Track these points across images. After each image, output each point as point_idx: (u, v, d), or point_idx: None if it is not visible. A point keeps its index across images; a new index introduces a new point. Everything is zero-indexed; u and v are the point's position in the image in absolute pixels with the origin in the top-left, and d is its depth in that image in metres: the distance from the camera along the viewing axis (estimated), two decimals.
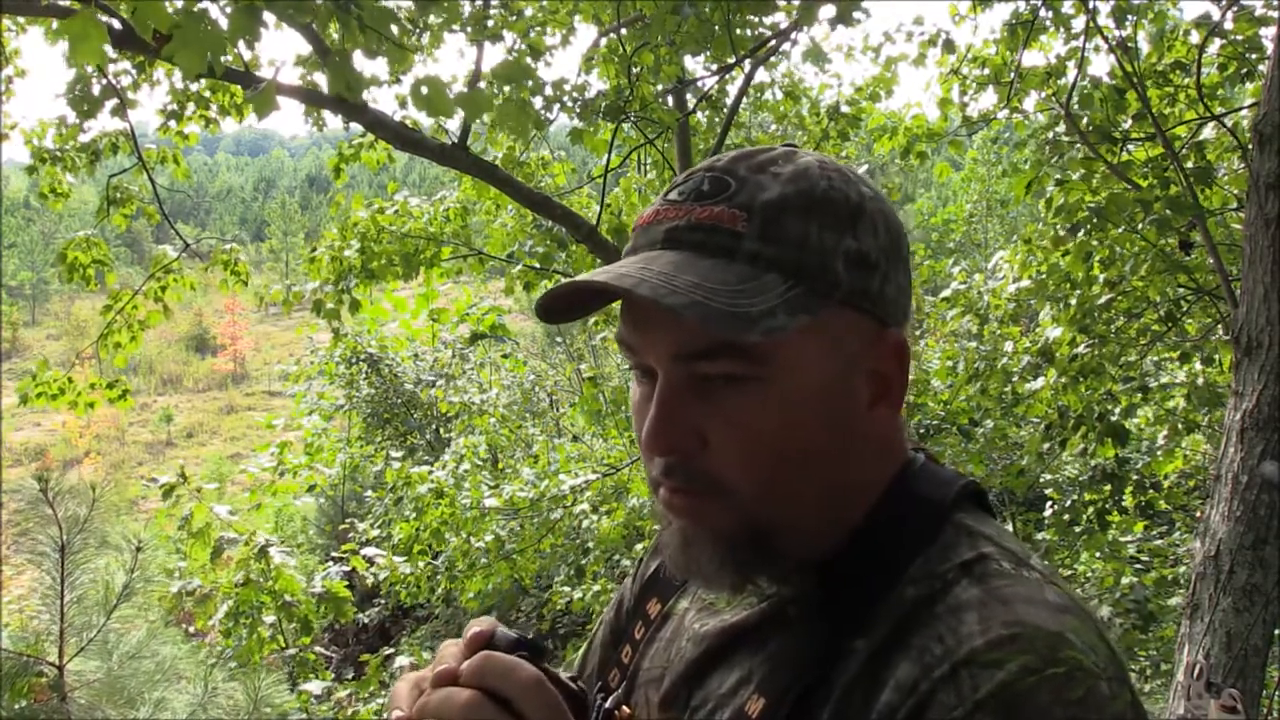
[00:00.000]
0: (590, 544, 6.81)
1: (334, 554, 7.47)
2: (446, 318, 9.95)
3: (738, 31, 4.08)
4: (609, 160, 5.00)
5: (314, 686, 4.84)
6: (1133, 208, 3.75)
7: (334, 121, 5.65)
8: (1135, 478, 5.51)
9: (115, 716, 2.11)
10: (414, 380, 11.53)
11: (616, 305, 0.75)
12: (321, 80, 4.99)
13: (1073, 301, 4.36)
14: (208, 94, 5.79)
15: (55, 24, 4.56)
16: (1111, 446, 4.35)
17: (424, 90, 2.51)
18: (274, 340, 50.38)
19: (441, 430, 11.32)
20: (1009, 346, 5.30)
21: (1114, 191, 3.88)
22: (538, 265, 6.03)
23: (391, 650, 8.44)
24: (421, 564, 6.87)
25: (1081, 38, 4.66)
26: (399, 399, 11.38)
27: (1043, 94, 5.04)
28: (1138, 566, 5.42)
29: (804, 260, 0.68)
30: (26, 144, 5.96)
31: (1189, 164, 3.99)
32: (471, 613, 9.22)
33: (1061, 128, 4.54)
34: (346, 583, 5.19)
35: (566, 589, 7.08)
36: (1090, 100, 4.28)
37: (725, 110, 5.74)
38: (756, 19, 4.37)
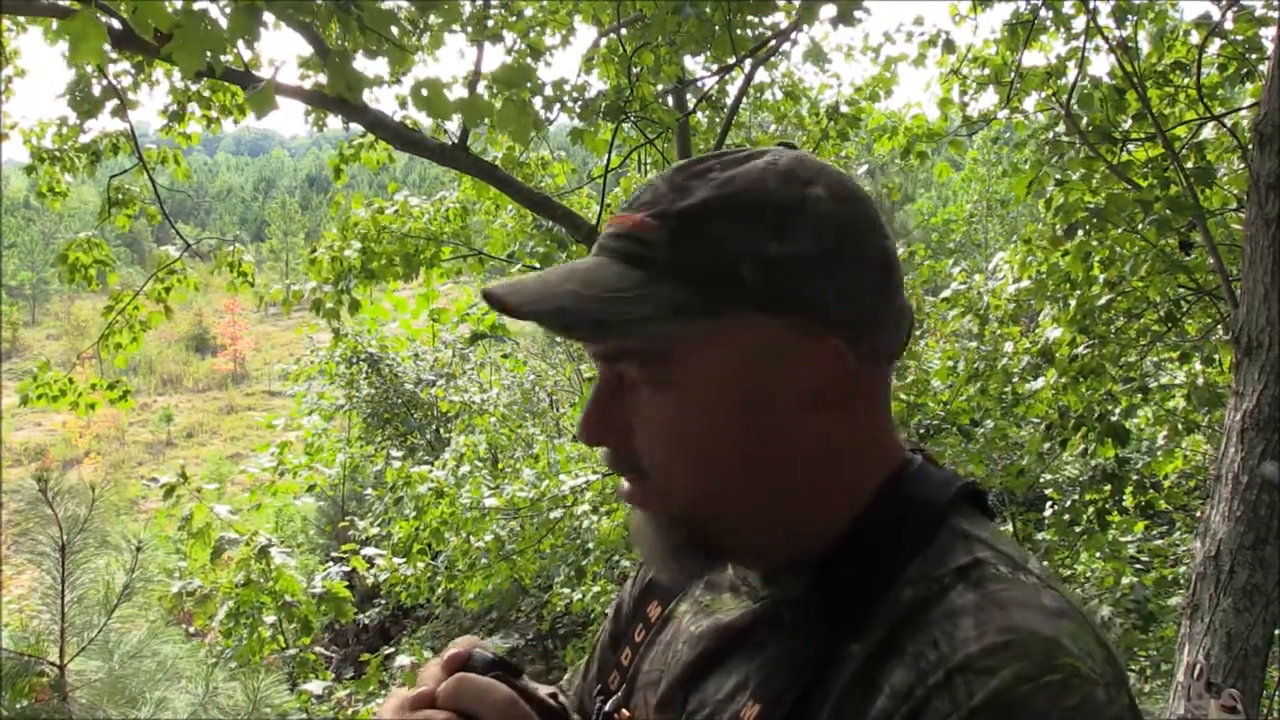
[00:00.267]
0: (590, 544, 6.80)
1: (334, 554, 7.48)
2: (446, 318, 9.94)
3: (738, 31, 4.08)
4: (609, 160, 5.00)
5: (314, 686, 4.84)
6: (1132, 208, 3.76)
7: (334, 121, 5.66)
8: (1135, 478, 5.51)
9: (116, 716, 2.11)
10: (414, 380, 11.53)
11: None
12: (322, 80, 4.99)
13: (1072, 302, 4.36)
14: (208, 94, 5.79)
15: (55, 24, 4.56)
16: (1111, 447, 4.35)
17: (424, 92, 2.51)
18: (274, 340, 50.40)
19: (441, 430, 11.32)
20: (1009, 346, 5.30)
21: (1114, 192, 3.88)
22: (538, 265, 6.03)
23: (391, 650, 8.43)
24: (421, 564, 6.87)
25: (1082, 38, 4.66)
26: (399, 399, 11.38)
27: (1043, 94, 5.04)
28: (1138, 566, 5.41)
29: (707, 265, 0.68)
30: (26, 144, 5.96)
31: (1189, 164, 3.98)
32: (471, 613, 9.24)
33: (1061, 128, 4.54)
34: (346, 583, 5.19)
35: (566, 590, 7.08)
36: (1090, 100, 4.28)
37: (725, 110, 5.75)
38: (756, 19, 4.37)
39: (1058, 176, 4.09)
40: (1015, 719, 0.59)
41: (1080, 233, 3.96)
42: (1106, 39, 4.43)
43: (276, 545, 4.72)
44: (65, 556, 2.14)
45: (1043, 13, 4.83)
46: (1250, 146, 2.84)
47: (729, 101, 5.74)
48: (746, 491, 0.71)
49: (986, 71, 5.47)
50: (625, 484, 0.75)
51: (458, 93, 3.12)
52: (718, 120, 6.09)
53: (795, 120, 7.40)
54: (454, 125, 4.99)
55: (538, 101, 4.27)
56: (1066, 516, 5.56)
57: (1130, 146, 4.37)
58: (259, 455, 8.89)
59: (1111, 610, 5.03)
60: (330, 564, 6.46)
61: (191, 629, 5.34)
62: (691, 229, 0.69)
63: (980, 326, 5.71)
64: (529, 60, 4.96)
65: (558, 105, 4.55)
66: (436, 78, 2.55)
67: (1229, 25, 4.12)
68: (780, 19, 4.59)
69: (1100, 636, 0.65)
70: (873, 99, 7.01)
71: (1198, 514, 5.50)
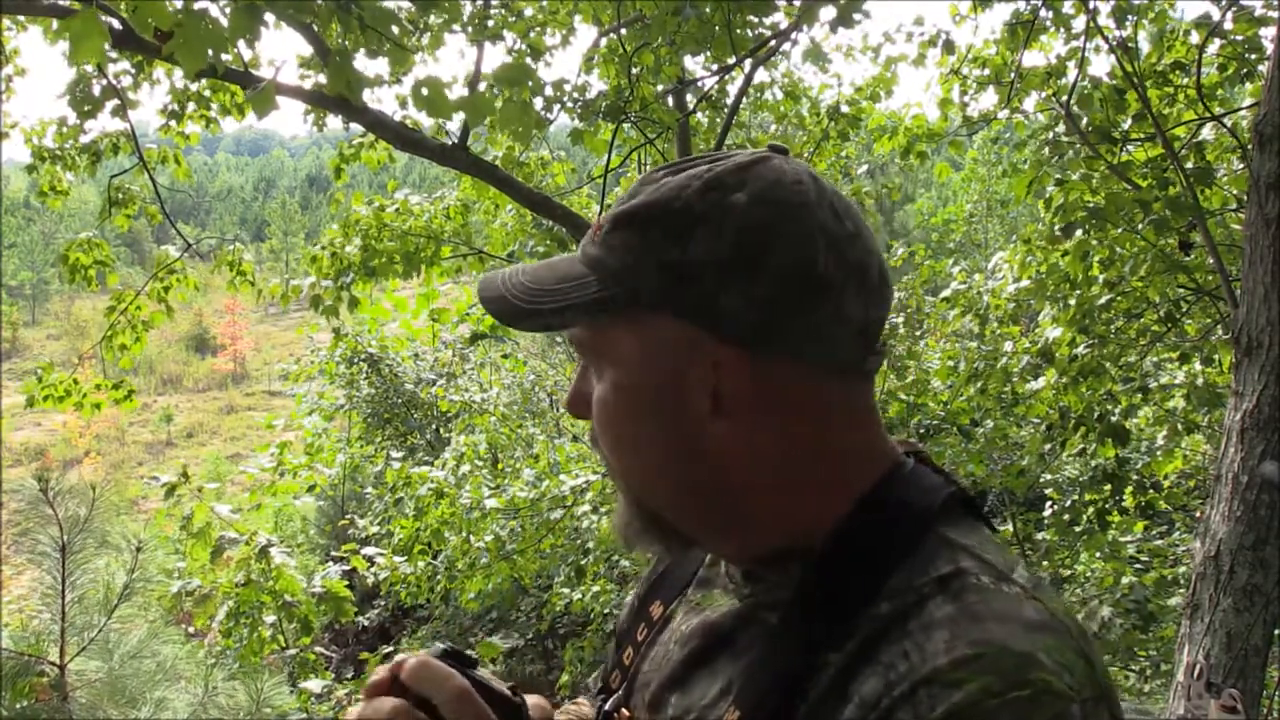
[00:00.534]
0: (590, 544, 6.80)
1: (334, 554, 7.47)
2: (447, 317, 9.94)
3: (738, 31, 4.08)
4: (609, 160, 4.99)
5: (314, 685, 4.84)
6: (1132, 208, 3.75)
7: (334, 121, 5.66)
8: (1135, 478, 5.50)
9: (117, 716, 2.11)
10: (414, 380, 11.53)
11: None
12: (322, 80, 4.99)
13: (1072, 302, 4.36)
14: (208, 94, 5.79)
15: (55, 24, 4.56)
16: (1111, 447, 4.35)
17: (424, 91, 2.51)
18: (274, 340, 50.37)
19: (441, 430, 11.32)
20: (1009, 346, 5.30)
21: (1113, 191, 3.88)
22: None
23: (391, 650, 8.42)
24: (421, 564, 6.87)
25: (1081, 38, 4.66)
26: (399, 399, 11.37)
27: (1043, 94, 5.04)
28: (1138, 566, 5.41)
29: (618, 266, 0.72)
30: (26, 143, 5.97)
31: (1189, 164, 3.98)
32: (471, 613, 9.23)
33: (1061, 128, 4.54)
34: (346, 583, 5.19)
35: (566, 590, 7.08)
36: (1090, 100, 4.28)
37: (725, 110, 5.75)
38: (756, 19, 4.37)
39: (1058, 176, 4.09)
40: None
41: (1080, 232, 3.96)
42: (1106, 39, 4.43)
43: (276, 545, 4.71)
44: (65, 556, 2.14)
45: (1043, 13, 4.83)
46: (1250, 147, 2.84)
47: (729, 102, 5.74)
48: (673, 484, 0.74)
49: (986, 72, 5.47)
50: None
51: (458, 92, 3.12)
52: (718, 120, 6.09)
53: (795, 120, 7.40)
54: (454, 125, 4.99)
55: (538, 101, 4.27)
56: (1066, 516, 5.55)
57: (1130, 146, 4.37)
58: (259, 455, 8.89)
59: (1111, 610, 5.02)
60: (330, 564, 6.45)
61: (191, 629, 5.34)
62: (615, 231, 0.73)
63: (980, 326, 5.71)
64: (529, 60, 4.97)
65: (558, 105, 4.55)
66: (437, 77, 2.55)
67: (1229, 25, 4.12)
68: (780, 19, 4.59)
69: (1084, 650, 0.63)
70: (873, 99, 7.00)
71: (1198, 514, 5.50)
